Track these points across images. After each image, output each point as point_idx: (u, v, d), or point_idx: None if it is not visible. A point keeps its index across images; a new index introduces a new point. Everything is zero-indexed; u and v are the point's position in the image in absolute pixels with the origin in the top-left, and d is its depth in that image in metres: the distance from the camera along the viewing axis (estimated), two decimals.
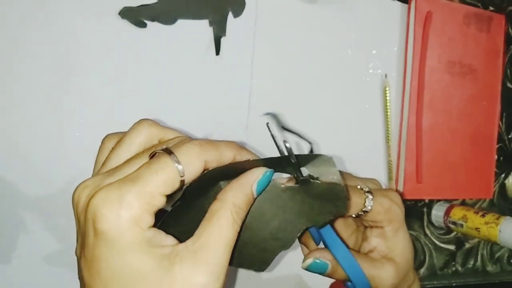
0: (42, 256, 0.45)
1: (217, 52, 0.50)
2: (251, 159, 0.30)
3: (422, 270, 0.64)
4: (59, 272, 0.45)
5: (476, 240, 0.68)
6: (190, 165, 0.26)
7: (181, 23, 0.49)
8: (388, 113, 0.60)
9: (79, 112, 0.46)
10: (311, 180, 0.30)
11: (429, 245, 0.65)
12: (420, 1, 0.60)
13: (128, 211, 0.23)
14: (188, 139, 0.29)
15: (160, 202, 0.25)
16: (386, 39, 0.61)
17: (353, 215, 0.35)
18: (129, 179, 0.25)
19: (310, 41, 0.56)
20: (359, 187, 0.36)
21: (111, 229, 0.23)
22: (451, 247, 0.67)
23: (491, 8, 0.68)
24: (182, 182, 0.26)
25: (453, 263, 0.67)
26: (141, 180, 0.24)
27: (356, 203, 0.34)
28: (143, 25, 0.48)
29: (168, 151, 0.26)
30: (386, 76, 0.60)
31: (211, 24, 0.50)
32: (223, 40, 0.51)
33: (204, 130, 0.50)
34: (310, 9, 0.56)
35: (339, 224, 0.39)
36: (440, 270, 0.66)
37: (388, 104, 0.59)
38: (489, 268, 0.70)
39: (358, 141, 0.59)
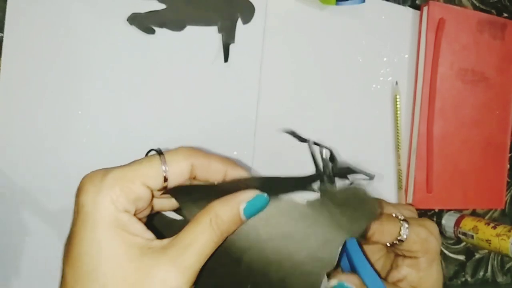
0: (44, 259, 0.45)
1: (226, 59, 0.50)
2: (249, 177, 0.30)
3: None
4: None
5: (486, 250, 0.67)
6: (175, 163, 0.28)
7: (189, 29, 0.49)
8: (399, 121, 0.59)
9: (86, 117, 0.46)
10: (329, 190, 0.29)
11: None
12: (433, 8, 0.59)
13: (107, 189, 0.25)
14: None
15: (140, 190, 0.26)
16: (397, 46, 0.60)
17: (388, 244, 0.34)
18: (118, 166, 0.27)
19: (320, 48, 0.55)
20: (394, 215, 0.34)
21: (88, 202, 0.25)
22: (461, 257, 0.66)
23: (505, 15, 0.67)
24: (166, 178, 0.28)
25: (463, 273, 0.66)
26: (126, 167, 0.27)
27: (390, 231, 0.33)
28: (152, 32, 0.47)
29: (160, 151, 0.28)
30: (397, 83, 0.59)
31: (220, 30, 0.50)
32: (232, 47, 0.50)
33: (212, 137, 0.50)
34: (320, 15, 0.55)
35: (368, 247, 0.37)
36: (449, 280, 0.65)
37: (398, 111, 0.59)
38: (500, 279, 0.69)
39: (368, 149, 0.58)
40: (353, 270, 0.33)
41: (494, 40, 0.63)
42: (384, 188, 0.59)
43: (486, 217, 0.66)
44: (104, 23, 0.46)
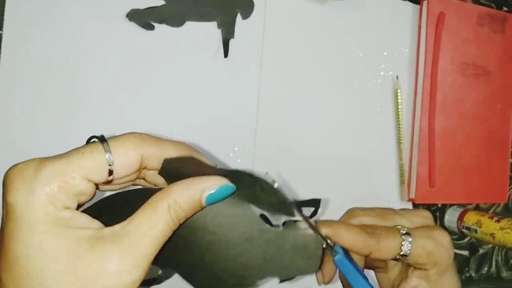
0: None
1: (226, 55, 0.50)
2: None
3: None
4: None
5: (490, 245, 0.67)
6: (122, 155, 0.25)
7: (189, 25, 0.49)
8: (400, 116, 0.58)
9: (87, 115, 0.45)
10: (297, 225, 0.28)
11: None
12: (432, 2, 0.59)
13: (42, 186, 0.22)
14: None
15: (82, 185, 0.24)
16: (398, 41, 0.59)
17: (392, 260, 0.32)
18: (55, 156, 0.24)
19: (320, 43, 0.55)
20: (398, 227, 0.33)
21: (21, 203, 0.22)
22: (465, 252, 0.65)
23: (505, 9, 0.67)
24: (111, 172, 0.25)
25: (467, 269, 0.66)
26: (65, 159, 0.24)
27: (389, 249, 0.31)
28: (151, 28, 0.47)
29: (103, 138, 0.25)
30: (397, 78, 0.59)
31: (219, 26, 0.50)
32: (231, 42, 0.50)
33: (212, 133, 0.50)
34: (319, 10, 0.55)
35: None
36: None
37: (399, 106, 0.58)
38: (504, 274, 0.68)
39: (369, 144, 0.58)
40: (350, 284, 0.32)
41: (494, 34, 0.63)
42: (386, 183, 0.59)
43: (490, 212, 0.66)
44: (103, 20, 0.46)
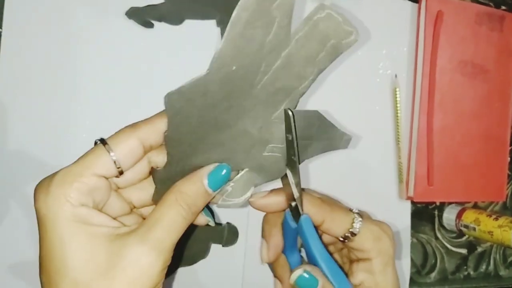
0: None
1: None
2: None
3: (433, 274, 0.63)
4: None
5: (488, 244, 0.67)
6: (120, 144, 0.27)
7: (188, 23, 0.49)
8: (398, 114, 0.59)
9: (86, 113, 0.46)
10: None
11: (441, 248, 0.64)
12: (431, 1, 0.59)
13: (56, 188, 0.25)
14: None
15: (92, 181, 0.26)
16: (396, 39, 0.60)
17: (340, 238, 0.33)
18: (66, 166, 0.27)
19: None
20: (349, 209, 0.34)
21: (42, 206, 0.25)
22: (463, 251, 0.66)
23: (503, 8, 0.67)
24: (117, 164, 0.27)
25: (465, 267, 0.66)
26: (73, 163, 0.27)
27: (342, 220, 0.32)
28: (150, 26, 0.47)
29: (102, 139, 0.28)
30: (396, 76, 0.59)
31: (218, 24, 0.50)
32: None
33: None
34: None
35: None
36: (451, 274, 0.65)
37: (398, 105, 0.59)
38: (502, 272, 0.68)
39: (368, 143, 0.58)
40: (306, 249, 0.32)
41: (492, 33, 0.63)
42: (384, 181, 0.59)
43: (488, 210, 0.66)
44: (102, 17, 0.46)
